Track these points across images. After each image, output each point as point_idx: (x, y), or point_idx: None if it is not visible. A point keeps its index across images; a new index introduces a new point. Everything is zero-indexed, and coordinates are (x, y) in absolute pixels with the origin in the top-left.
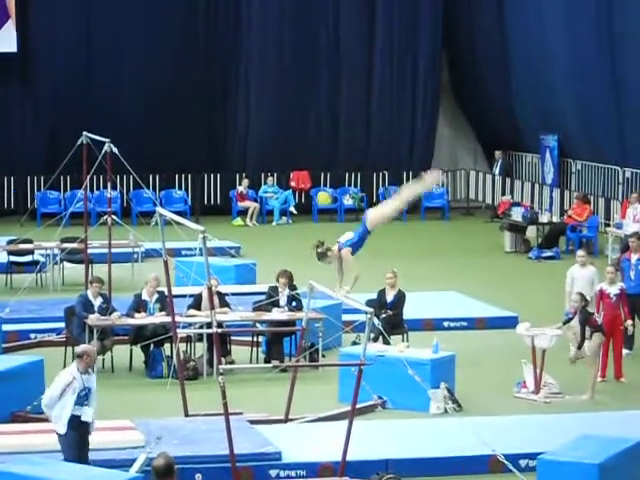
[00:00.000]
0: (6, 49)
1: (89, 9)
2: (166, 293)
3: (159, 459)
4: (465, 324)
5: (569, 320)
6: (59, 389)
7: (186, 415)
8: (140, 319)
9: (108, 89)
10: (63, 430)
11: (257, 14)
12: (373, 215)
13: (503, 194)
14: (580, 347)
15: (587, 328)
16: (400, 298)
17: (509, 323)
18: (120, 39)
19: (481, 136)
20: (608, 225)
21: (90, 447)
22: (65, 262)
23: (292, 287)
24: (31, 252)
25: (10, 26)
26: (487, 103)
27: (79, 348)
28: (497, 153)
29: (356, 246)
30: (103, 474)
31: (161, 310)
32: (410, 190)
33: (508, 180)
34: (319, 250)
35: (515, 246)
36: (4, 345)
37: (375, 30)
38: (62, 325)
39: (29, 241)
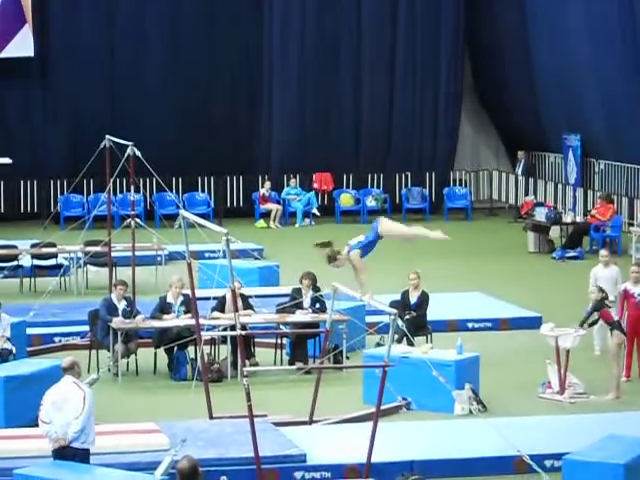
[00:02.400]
0: (23, 54)
1: (109, 14)
2: (190, 296)
3: (184, 462)
4: (489, 325)
5: (594, 323)
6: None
7: (211, 417)
8: (163, 322)
9: (130, 92)
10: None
11: (280, 16)
12: (387, 225)
13: (526, 194)
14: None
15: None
16: (424, 299)
17: (533, 323)
18: (141, 44)
19: (504, 136)
20: (632, 224)
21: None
22: (89, 265)
23: (315, 289)
24: (55, 255)
25: (27, 31)
26: (510, 103)
27: (67, 361)
28: (520, 153)
29: (365, 249)
30: (128, 477)
31: (187, 312)
32: (422, 231)
33: (531, 180)
34: (328, 253)
35: (539, 246)
36: (28, 349)
37: (397, 31)
38: (86, 328)
39: (53, 245)
